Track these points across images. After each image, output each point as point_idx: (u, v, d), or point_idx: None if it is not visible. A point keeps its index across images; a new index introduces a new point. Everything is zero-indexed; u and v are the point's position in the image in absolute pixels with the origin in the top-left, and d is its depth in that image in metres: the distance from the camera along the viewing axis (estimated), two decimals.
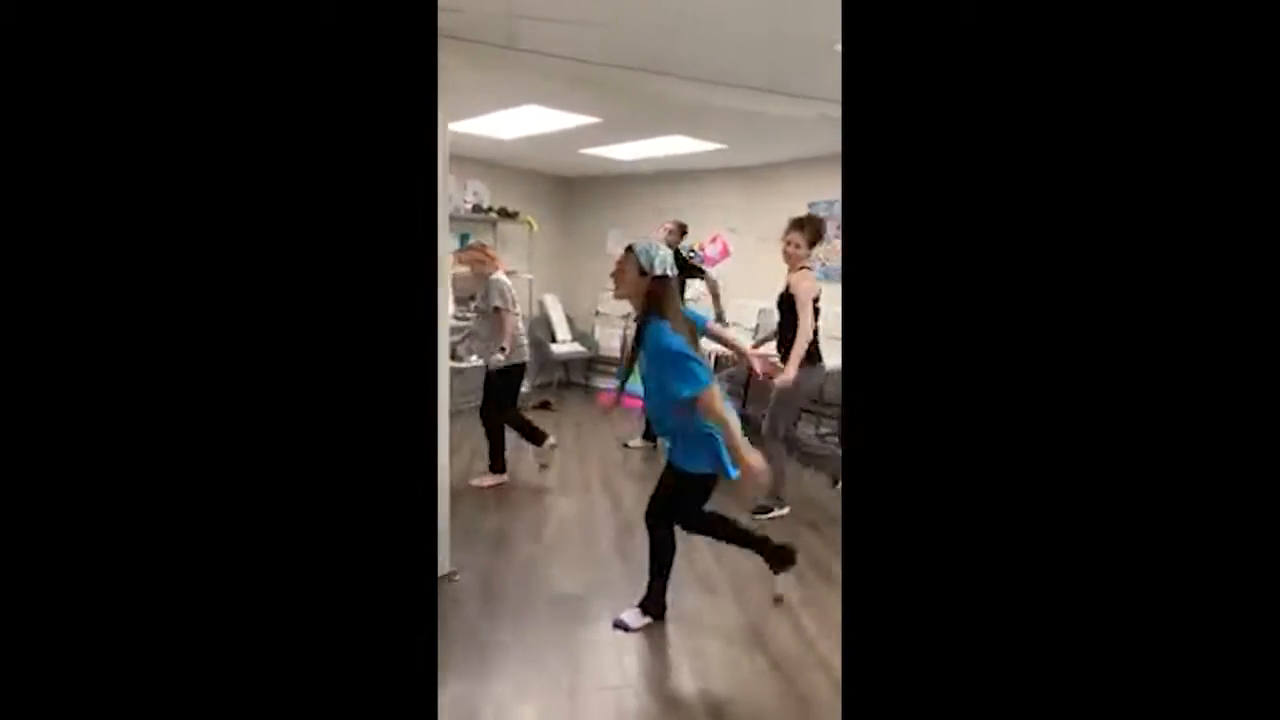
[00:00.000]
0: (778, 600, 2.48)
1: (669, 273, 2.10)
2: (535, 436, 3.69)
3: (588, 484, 3.72)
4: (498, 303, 3.45)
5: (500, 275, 3.54)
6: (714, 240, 5.45)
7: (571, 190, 6.40)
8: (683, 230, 4.50)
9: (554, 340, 5.97)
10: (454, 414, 2.98)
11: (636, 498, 3.54)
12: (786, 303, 3.16)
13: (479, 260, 3.58)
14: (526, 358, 3.66)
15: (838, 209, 4.73)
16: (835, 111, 3.24)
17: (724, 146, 4.54)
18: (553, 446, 3.75)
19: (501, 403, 3.61)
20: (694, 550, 2.94)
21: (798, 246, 3.14)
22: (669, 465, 2.23)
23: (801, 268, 3.15)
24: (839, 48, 2.38)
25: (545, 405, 5.47)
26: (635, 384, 2.25)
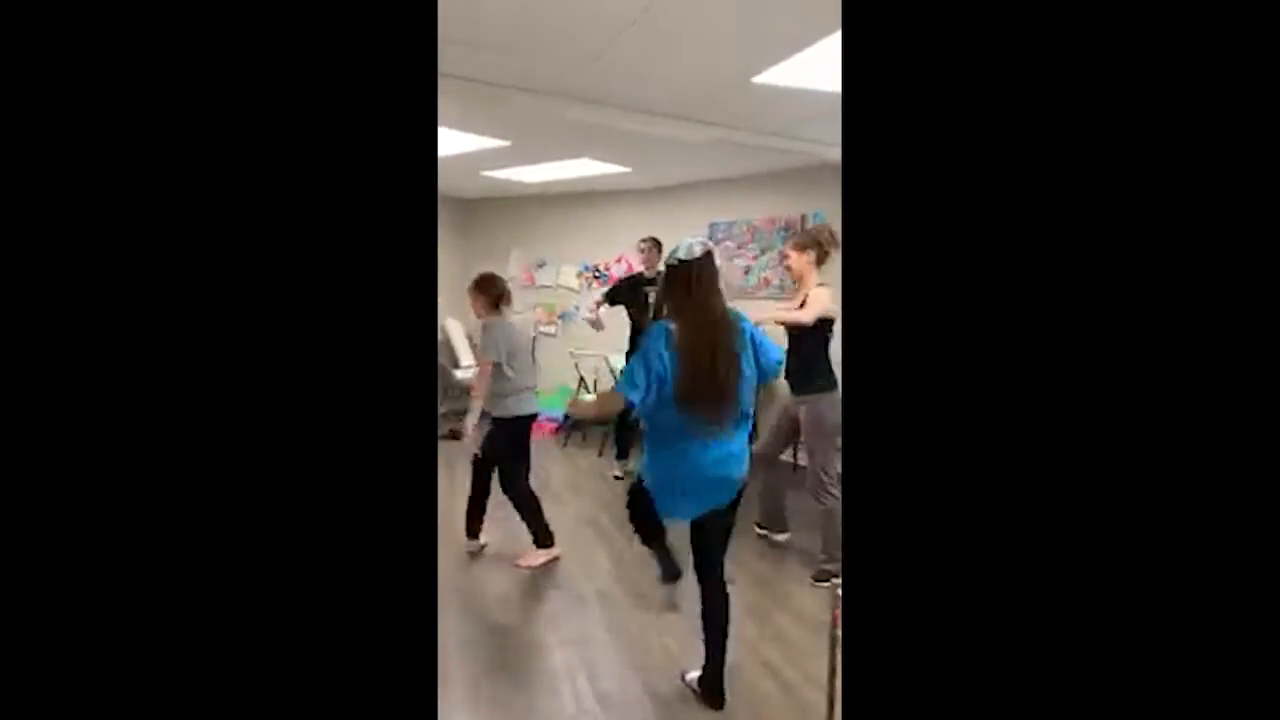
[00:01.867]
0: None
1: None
2: (541, 532, 3.01)
3: (508, 509, 3.63)
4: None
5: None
6: (619, 260, 5.53)
7: (470, 213, 6.29)
8: (658, 246, 4.01)
9: (457, 366, 5.80)
10: None
11: (564, 520, 3.51)
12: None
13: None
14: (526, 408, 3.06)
15: (736, 230, 4.96)
16: (737, 137, 3.42)
17: (627, 169, 4.64)
18: (553, 559, 3.02)
19: (515, 465, 3.04)
20: (628, 566, 2.95)
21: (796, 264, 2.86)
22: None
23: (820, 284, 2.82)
24: (758, 79, 2.54)
25: (454, 435, 5.28)
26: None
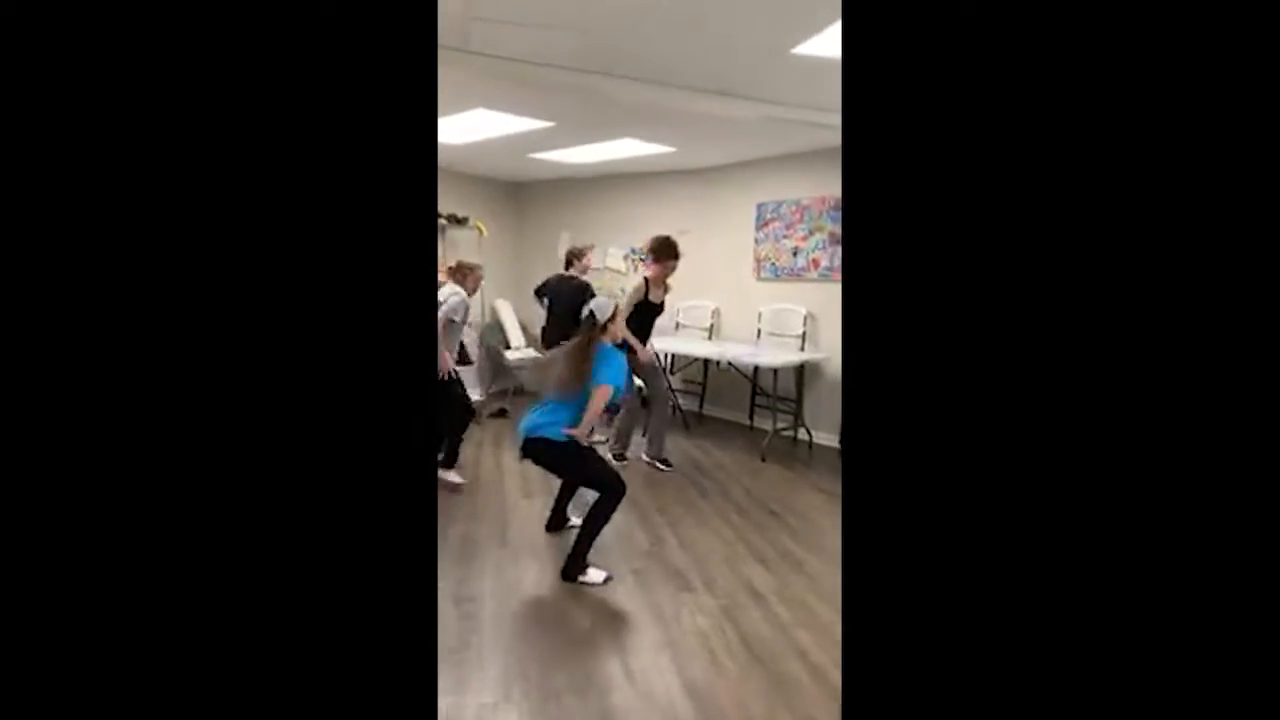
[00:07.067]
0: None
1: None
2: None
3: (550, 487, 3.69)
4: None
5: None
6: None
7: (519, 195, 6.35)
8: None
9: (508, 347, 5.89)
10: None
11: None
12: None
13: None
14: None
15: (784, 209, 4.85)
16: (781, 113, 3.33)
17: (673, 149, 4.59)
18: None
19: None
20: (666, 547, 2.96)
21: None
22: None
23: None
24: (797, 50, 2.47)
25: (502, 413, 5.40)
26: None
